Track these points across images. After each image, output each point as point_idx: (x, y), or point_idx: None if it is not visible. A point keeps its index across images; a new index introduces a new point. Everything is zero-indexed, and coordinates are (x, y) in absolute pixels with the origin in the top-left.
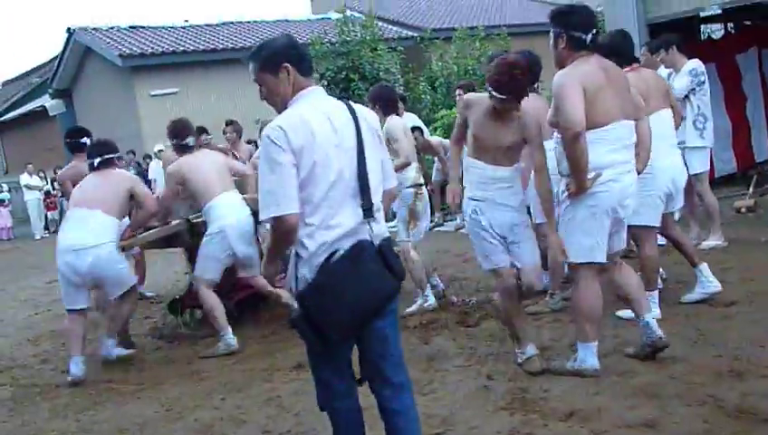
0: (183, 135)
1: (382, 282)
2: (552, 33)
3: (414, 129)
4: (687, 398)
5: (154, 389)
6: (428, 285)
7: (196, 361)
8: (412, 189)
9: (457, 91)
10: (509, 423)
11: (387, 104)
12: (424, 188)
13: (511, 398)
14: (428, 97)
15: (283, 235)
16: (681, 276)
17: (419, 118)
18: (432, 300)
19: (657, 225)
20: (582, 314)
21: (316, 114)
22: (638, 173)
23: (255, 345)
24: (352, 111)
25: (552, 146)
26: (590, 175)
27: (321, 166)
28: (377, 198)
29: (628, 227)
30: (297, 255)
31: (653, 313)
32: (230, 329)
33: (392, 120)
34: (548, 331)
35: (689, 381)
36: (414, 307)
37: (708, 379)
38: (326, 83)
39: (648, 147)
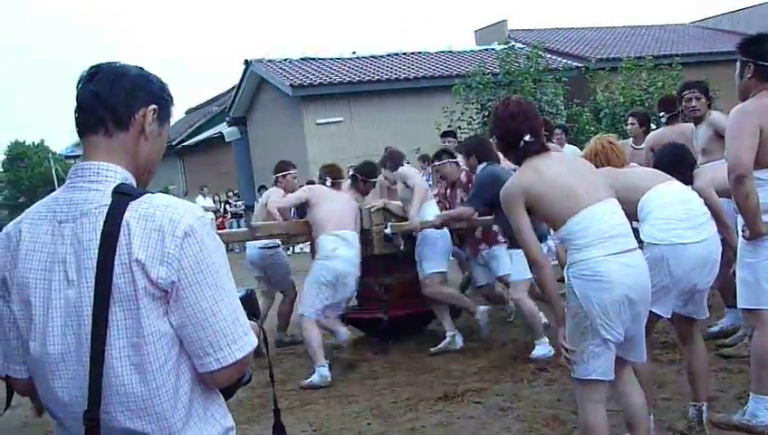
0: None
1: None
2: (738, 62)
3: None
4: None
5: (303, 408)
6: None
7: (347, 384)
8: None
9: (630, 120)
10: None
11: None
12: None
13: None
14: (592, 128)
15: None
16: None
17: (582, 150)
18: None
19: None
20: (762, 363)
21: (43, 221)
22: None
23: (403, 373)
24: (112, 226)
25: None
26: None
27: (23, 319)
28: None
29: None
30: None
31: None
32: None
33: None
34: (714, 381)
35: None
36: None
37: None
38: (487, 114)
39: None
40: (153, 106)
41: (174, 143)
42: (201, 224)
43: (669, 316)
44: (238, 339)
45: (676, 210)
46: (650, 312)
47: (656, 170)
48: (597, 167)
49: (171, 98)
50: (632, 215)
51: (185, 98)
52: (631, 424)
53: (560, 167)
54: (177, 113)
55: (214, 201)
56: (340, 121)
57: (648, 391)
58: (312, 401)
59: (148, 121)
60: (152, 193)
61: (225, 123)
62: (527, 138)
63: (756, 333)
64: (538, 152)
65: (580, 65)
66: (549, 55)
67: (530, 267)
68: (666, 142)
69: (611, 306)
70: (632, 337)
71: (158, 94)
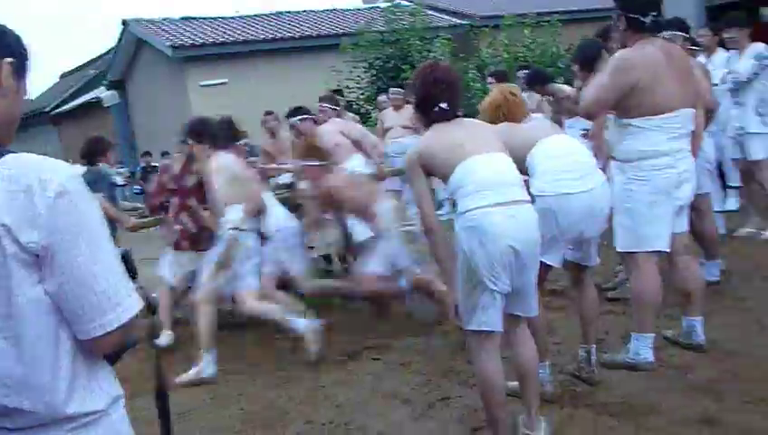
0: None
1: None
2: (614, 13)
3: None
4: (747, 394)
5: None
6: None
7: (247, 349)
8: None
9: (488, 80)
10: (557, 417)
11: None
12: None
13: (560, 390)
14: (478, 84)
15: None
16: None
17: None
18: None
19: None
20: (641, 304)
21: None
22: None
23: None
24: None
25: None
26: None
27: None
28: None
29: None
30: None
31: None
32: None
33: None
34: (600, 323)
35: (750, 376)
36: None
37: None
38: (375, 72)
39: (701, 134)
40: (9, 59)
41: (48, 110)
42: (75, 183)
43: (560, 265)
44: (122, 301)
45: (563, 162)
46: (541, 262)
47: (547, 125)
48: (497, 119)
49: (27, 51)
50: (525, 170)
51: (59, 61)
52: (521, 376)
53: (457, 128)
54: (51, 78)
55: None
56: (225, 83)
57: (542, 340)
58: None
59: (4, 75)
60: (16, 153)
61: (102, 87)
62: (443, 105)
63: (633, 274)
64: (448, 119)
65: (465, 23)
66: (434, 13)
67: (424, 232)
68: None
69: (496, 258)
70: (520, 290)
71: (13, 46)
